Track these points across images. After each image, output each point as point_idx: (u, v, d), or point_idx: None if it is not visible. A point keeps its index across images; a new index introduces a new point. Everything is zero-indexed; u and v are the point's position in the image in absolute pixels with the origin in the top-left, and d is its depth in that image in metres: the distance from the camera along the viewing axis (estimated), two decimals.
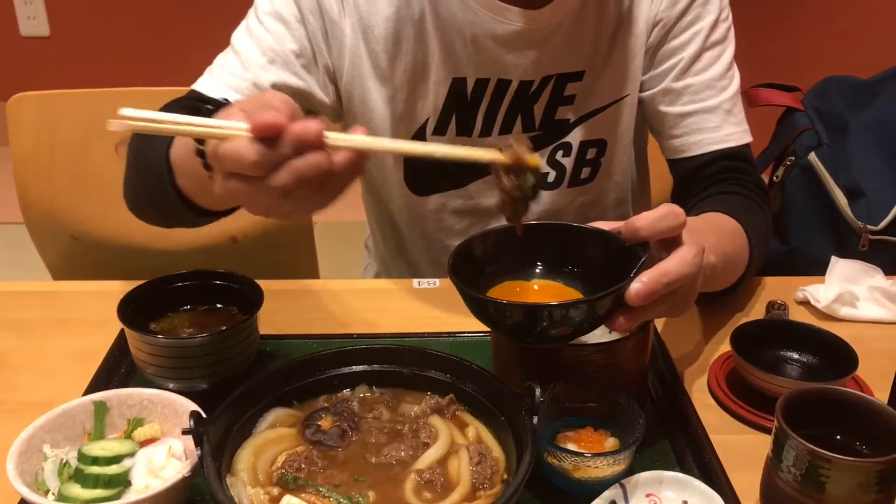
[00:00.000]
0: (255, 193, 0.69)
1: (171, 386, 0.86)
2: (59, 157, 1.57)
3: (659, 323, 1.04)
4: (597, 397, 0.81)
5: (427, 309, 1.10)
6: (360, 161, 0.70)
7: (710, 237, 0.92)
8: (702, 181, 1.16)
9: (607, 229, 0.82)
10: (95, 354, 0.96)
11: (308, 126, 0.67)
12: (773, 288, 1.15)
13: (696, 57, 1.14)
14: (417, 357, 0.80)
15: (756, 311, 1.10)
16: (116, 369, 0.93)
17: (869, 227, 1.49)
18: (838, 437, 0.74)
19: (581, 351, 0.82)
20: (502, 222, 1.22)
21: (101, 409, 0.75)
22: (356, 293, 1.14)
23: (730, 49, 1.17)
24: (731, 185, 1.14)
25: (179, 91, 1.55)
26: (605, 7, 1.12)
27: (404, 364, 0.80)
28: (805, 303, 1.11)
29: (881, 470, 0.67)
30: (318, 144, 0.67)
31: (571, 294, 0.83)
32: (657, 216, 0.77)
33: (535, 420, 0.69)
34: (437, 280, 1.17)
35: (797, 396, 0.73)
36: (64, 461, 0.70)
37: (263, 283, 1.14)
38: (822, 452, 0.67)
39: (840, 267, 1.13)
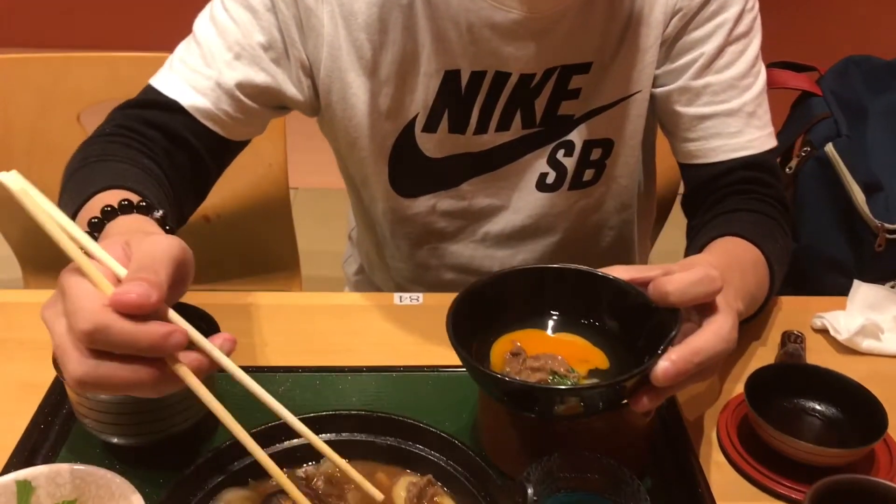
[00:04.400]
0: (59, 350, 0.58)
1: (115, 440, 0.76)
2: (16, 127, 1.47)
3: None
4: (596, 468, 0.72)
5: (408, 331, 1.00)
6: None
7: (735, 277, 0.83)
8: (717, 191, 1.06)
9: (630, 277, 0.73)
10: (37, 387, 0.86)
11: (171, 335, 0.57)
12: (789, 311, 1.06)
13: (719, 52, 1.02)
14: (394, 426, 0.70)
15: (772, 339, 1.01)
16: (56, 411, 0.83)
17: (886, 225, 1.39)
18: None
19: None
20: (498, 223, 1.14)
21: (25, 489, 0.65)
22: (332, 310, 1.04)
23: (755, 42, 1.05)
24: (750, 198, 1.04)
25: (139, 58, 1.43)
26: None
27: (378, 434, 0.70)
28: (823, 331, 1.02)
29: None
30: (164, 356, 0.58)
31: (598, 355, 0.74)
32: (691, 280, 0.68)
33: None
34: (420, 295, 1.07)
35: (827, 488, 0.64)
36: None
37: (228, 297, 1.04)
38: None
39: (863, 292, 1.03)
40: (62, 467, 0.66)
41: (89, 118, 1.44)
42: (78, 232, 0.61)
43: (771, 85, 1.50)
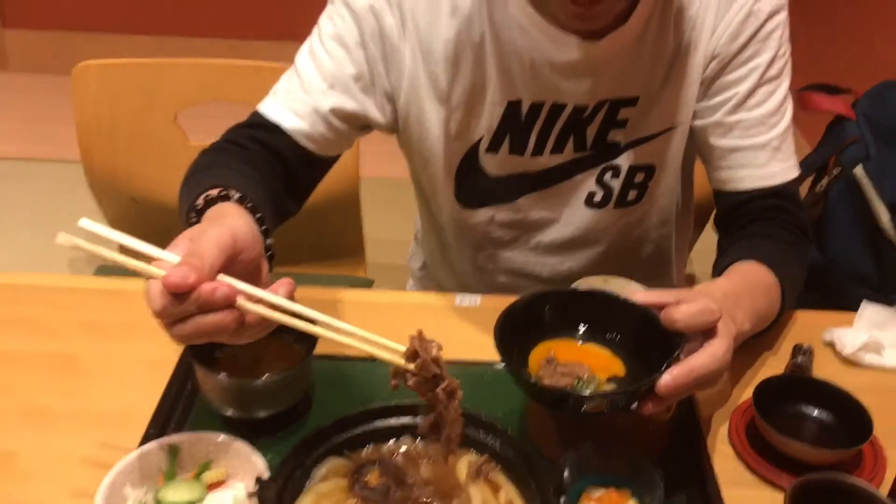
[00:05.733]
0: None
1: (230, 413, 0.95)
2: (120, 124, 1.64)
3: None
4: (620, 457, 0.88)
5: (468, 330, 1.16)
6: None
7: (746, 300, 0.97)
8: (744, 216, 1.19)
9: (648, 302, 0.88)
10: (164, 364, 1.04)
11: (216, 290, 0.71)
12: (802, 325, 1.19)
13: (751, 93, 1.16)
14: None
15: (784, 350, 1.15)
16: (182, 388, 1.01)
17: None
18: None
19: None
20: (549, 234, 1.29)
21: (173, 451, 0.84)
22: (399, 308, 1.21)
23: (785, 84, 1.18)
24: (772, 224, 1.17)
25: (230, 65, 1.59)
26: (665, 38, 1.13)
27: None
28: (832, 345, 1.16)
29: None
30: (225, 306, 0.73)
31: (617, 364, 0.90)
32: (694, 311, 0.83)
33: (563, 500, 0.76)
34: (479, 297, 1.23)
35: (805, 484, 0.80)
36: (142, 503, 0.80)
37: (310, 291, 1.21)
38: None
39: (870, 312, 1.17)
40: (202, 435, 0.85)
41: (185, 118, 1.62)
42: (140, 246, 0.77)
43: (805, 107, 1.63)
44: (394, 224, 2.12)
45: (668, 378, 0.80)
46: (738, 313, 0.91)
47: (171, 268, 0.72)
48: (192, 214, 0.93)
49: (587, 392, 0.86)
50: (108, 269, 1.79)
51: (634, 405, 0.83)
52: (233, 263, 0.78)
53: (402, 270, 1.67)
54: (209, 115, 1.57)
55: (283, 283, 0.77)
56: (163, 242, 0.79)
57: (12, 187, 3.18)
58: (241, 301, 0.74)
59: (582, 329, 0.94)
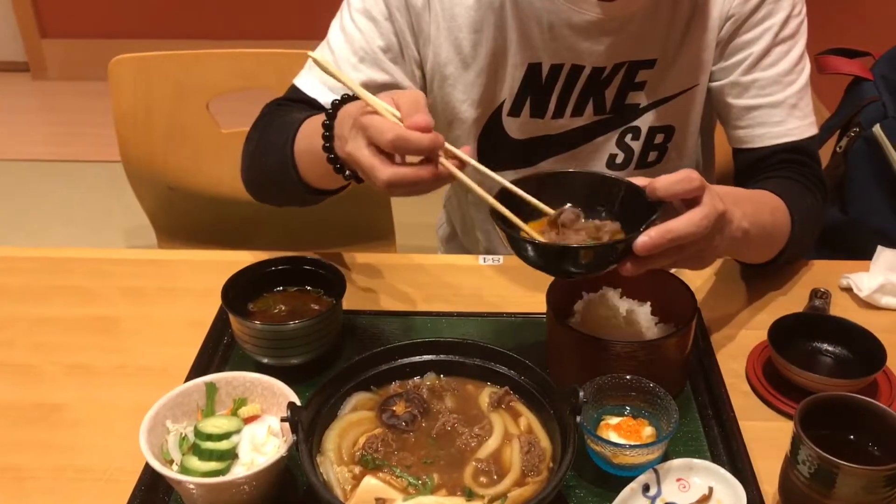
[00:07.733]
0: (368, 169, 0.86)
1: (265, 361, 0.99)
2: (155, 114, 1.70)
3: (705, 308, 1.12)
4: (637, 389, 0.91)
5: (491, 285, 1.20)
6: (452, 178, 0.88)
7: (748, 205, 1.00)
8: (762, 171, 1.22)
9: (641, 184, 0.90)
10: (201, 323, 1.10)
11: (438, 138, 0.84)
12: (819, 272, 1.22)
13: (766, 52, 1.18)
14: (479, 351, 0.90)
15: (801, 296, 1.17)
16: (219, 341, 1.07)
17: None
18: (852, 437, 0.83)
19: (627, 347, 0.92)
20: None
21: (211, 389, 0.88)
22: (427, 268, 1.25)
23: (800, 43, 1.20)
24: (789, 172, 1.20)
25: (260, 53, 1.65)
26: (680, 0, 1.16)
27: (468, 356, 0.91)
28: (848, 289, 1.18)
29: (887, 476, 0.76)
30: (434, 153, 0.85)
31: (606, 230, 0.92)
32: (673, 180, 0.86)
33: (578, 419, 0.80)
34: (501, 257, 1.26)
35: (816, 402, 0.82)
36: (183, 435, 0.84)
37: (350, 257, 1.26)
38: (830, 459, 0.76)
39: (885, 256, 1.19)
40: (237, 374, 0.89)
41: (217, 106, 1.68)
42: (358, 88, 0.88)
43: (824, 70, 1.65)
44: (422, 209, 2.17)
45: (645, 238, 0.83)
46: (736, 210, 0.93)
47: (413, 113, 0.84)
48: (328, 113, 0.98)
49: (573, 245, 0.88)
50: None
51: (616, 265, 0.86)
52: None
53: (432, 252, 1.71)
54: (239, 104, 1.63)
55: (467, 149, 0.89)
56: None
57: (53, 186, 3.31)
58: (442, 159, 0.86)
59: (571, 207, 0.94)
